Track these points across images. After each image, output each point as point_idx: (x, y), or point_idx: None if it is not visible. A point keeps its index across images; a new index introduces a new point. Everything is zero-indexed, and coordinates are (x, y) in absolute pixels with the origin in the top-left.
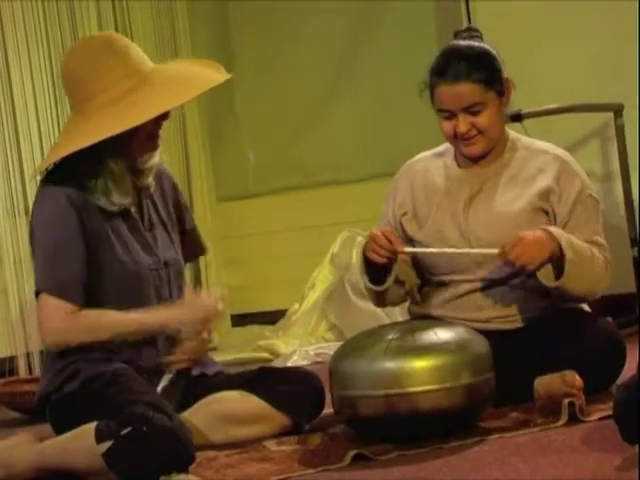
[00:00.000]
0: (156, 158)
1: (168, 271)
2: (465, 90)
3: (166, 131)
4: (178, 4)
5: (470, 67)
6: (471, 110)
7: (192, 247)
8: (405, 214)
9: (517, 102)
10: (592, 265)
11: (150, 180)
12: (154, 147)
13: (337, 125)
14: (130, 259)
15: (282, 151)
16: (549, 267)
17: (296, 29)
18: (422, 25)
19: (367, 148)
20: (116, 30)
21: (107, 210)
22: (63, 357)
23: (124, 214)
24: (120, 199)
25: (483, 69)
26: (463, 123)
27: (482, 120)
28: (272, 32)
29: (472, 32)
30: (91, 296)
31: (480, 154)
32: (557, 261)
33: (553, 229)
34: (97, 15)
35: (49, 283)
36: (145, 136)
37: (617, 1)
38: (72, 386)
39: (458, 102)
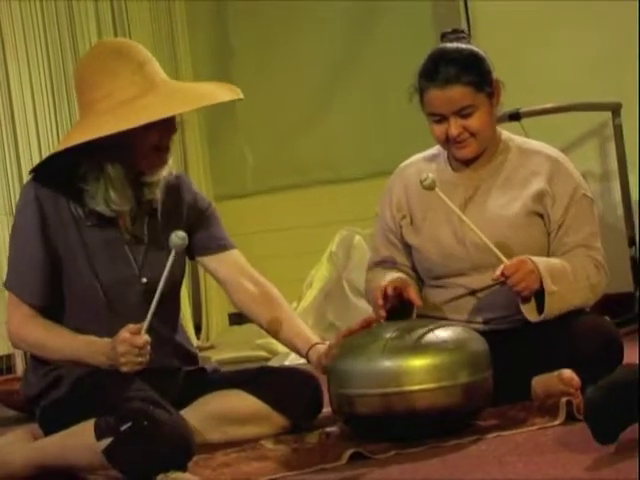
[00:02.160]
0: (163, 172)
1: (148, 289)
2: (455, 93)
3: None
4: (177, 6)
5: (459, 70)
6: (462, 113)
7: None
8: (404, 217)
9: (515, 101)
10: (576, 286)
11: (156, 195)
12: (162, 161)
13: (335, 124)
14: (91, 272)
15: (280, 150)
16: (532, 300)
17: (294, 29)
18: (420, 25)
19: (364, 147)
20: (115, 31)
21: (81, 218)
22: (44, 362)
23: (105, 224)
24: (120, 206)
25: (473, 71)
26: (455, 126)
27: (473, 122)
28: (270, 33)
29: (459, 34)
30: (60, 309)
31: (472, 156)
32: (540, 292)
33: (536, 259)
34: (95, 16)
35: (12, 282)
36: (150, 147)
37: (616, 0)
38: (59, 392)
39: (449, 106)
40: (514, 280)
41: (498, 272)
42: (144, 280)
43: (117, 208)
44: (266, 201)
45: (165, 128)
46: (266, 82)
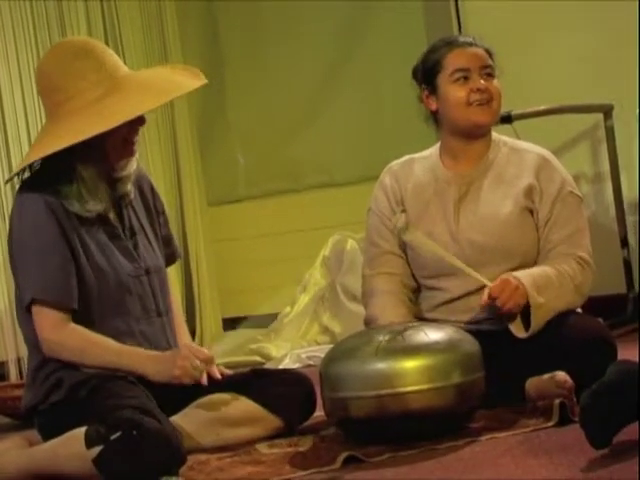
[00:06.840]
0: (133, 165)
1: (150, 278)
2: (480, 52)
3: (156, 135)
4: (167, 7)
5: (478, 41)
6: (486, 72)
7: (165, 253)
8: (404, 211)
9: (507, 103)
10: (561, 292)
11: (129, 188)
12: (130, 153)
13: (328, 128)
14: (109, 266)
15: (273, 154)
16: (518, 318)
17: (286, 32)
18: (412, 28)
19: (358, 151)
20: (105, 33)
21: (84, 217)
22: (45, 367)
23: (102, 221)
24: (94, 205)
25: (488, 48)
26: (479, 81)
27: (494, 85)
28: (262, 36)
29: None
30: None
31: (487, 124)
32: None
33: (519, 275)
34: (86, 17)
35: (39, 292)
36: (120, 141)
37: (608, 2)
38: (58, 395)
39: (475, 61)
40: (502, 301)
41: (485, 297)
42: (145, 269)
43: (91, 208)
44: (259, 206)
45: (134, 121)
46: (258, 86)
